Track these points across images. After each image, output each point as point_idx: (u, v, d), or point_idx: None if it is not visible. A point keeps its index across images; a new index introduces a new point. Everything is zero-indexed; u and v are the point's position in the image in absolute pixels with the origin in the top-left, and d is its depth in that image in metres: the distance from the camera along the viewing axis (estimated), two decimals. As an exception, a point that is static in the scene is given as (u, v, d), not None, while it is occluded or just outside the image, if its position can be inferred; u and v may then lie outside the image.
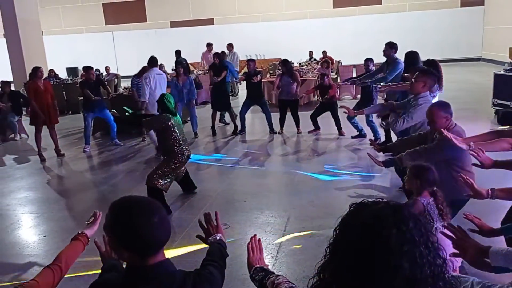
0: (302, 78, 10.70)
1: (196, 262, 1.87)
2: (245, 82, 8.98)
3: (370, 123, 7.54)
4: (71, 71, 19.42)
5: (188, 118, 9.29)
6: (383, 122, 4.78)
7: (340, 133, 8.39)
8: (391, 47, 6.92)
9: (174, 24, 21.90)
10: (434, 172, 2.98)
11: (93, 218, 2.12)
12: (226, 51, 12.94)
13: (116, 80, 15.47)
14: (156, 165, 5.43)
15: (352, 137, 8.11)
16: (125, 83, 14.30)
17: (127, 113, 5.82)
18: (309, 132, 8.62)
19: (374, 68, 7.97)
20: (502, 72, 9.03)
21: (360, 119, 7.83)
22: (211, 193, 5.83)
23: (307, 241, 4.31)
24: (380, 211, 1.12)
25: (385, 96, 7.06)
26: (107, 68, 16.01)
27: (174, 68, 13.33)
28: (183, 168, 5.63)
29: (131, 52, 20.89)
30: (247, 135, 9.03)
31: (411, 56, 6.20)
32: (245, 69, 10.54)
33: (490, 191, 2.51)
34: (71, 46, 21.87)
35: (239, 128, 9.06)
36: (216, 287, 1.69)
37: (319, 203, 5.21)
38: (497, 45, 18.33)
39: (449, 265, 1.11)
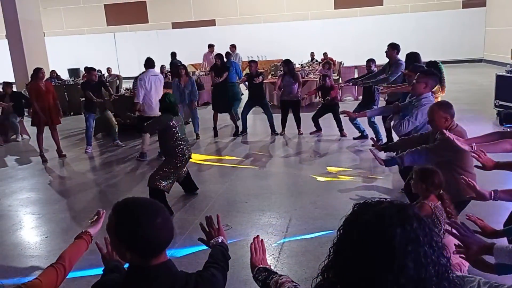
0: (303, 79, 10.70)
1: (198, 263, 1.87)
2: (247, 83, 8.99)
3: (372, 124, 7.53)
4: (73, 72, 19.47)
5: (190, 119, 9.30)
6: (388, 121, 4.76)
7: (342, 134, 8.38)
8: (393, 48, 6.91)
9: (176, 25, 21.93)
10: (440, 175, 2.97)
11: (96, 216, 2.11)
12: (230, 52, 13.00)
13: (117, 81, 15.49)
14: (157, 166, 5.43)
15: (354, 139, 8.10)
16: (127, 84, 14.31)
17: (128, 120, 5.81)
18: (310, 133, 8.62)
19: (376, 69, 7.96)
20: (504, 73, 9.02)
21: (362, 120, 7.82)
22: (213, 194, 5.82)
23: (309, 243, 4.31)
24: (384, 211, 1.12)
25: (387, 97, 7.06)
26: (108, 69, 16.04)
27: (169, 69, 13.42)
28: (184, 169, 5.64)
29: (132, 53, 20.94)
30: (249, 136, 9.03)
31: (412, 57, 6.20)
32: (247, 70, 10.54)
33: (493, 193, 2.50)
34: (72, 47, 21.92)
35: (240, 129, 9.06)
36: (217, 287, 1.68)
37: (321, 205, 5.20)
38: (499, 46, 18.31)
39: (457, 268, 1.11)
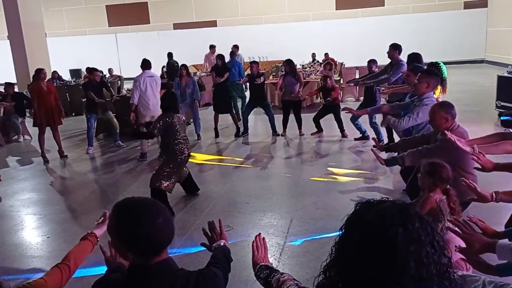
0: (305, 80, 10.71)
1: (200, 263, 1.88)
2: (248, 84, 9.00)
3: (373, 125, 7.53)
4: (75, 73, 19.50)
5: (191, 120, 9.30)
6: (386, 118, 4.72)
7: (343, 135, 8.38)
8: (395, 49, 6.92)
9: (177, 26, 21.95)
10: (448, 169, 2.96)
11: (102, 218, 2.12)
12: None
13: (119, 82, 15.51)
14: (158, 166, 5.43)
15: (355, 139, 8.10)
16: (128, 85, 14.31)
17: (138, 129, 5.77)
18: (312, 134, 8.62)
19: (377, 69, 7.97)
20: (506, 74, 9.02)
21: (364, 121, 7.82)
22: (214, 195, 5.83)
23: (310, 243, 4.31)
24: (386, 210, 1.12)
25: (388, 98, 7.06)
26: (110, 70, 16.06)
27: (166, 70, 13.45)
28: (185, 168, 5.64)
29: (134, 54, 20.92)
30: (250, 137, 9.04)
31: (414, 58, 6.19)
32: (248, 71, 10.55)
33: (494, 194, 2.50)
34: (74, 48, 21.96)
35: (241, 130, 9.06)
36: (218, 287, 1.69)
37: (322, 205, 5.20)
38: (500, 47, 18.30)
39: (462, 266, 1.11)
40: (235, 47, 12.48)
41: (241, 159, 7.46)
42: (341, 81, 12.93)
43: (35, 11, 14.48)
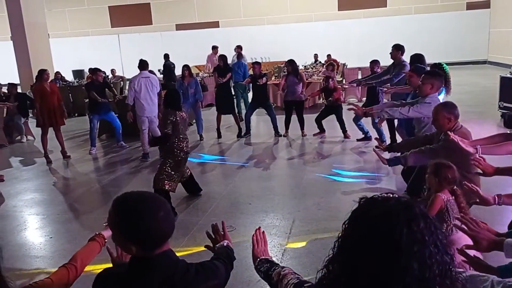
0: (307, 81, 10.71)
1: (202, 263, 1.88)
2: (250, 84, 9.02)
3: (376, 126, 7.52)
4: (77, 73, 19.51)
5: (194, 121, 9.31)
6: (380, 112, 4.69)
7: (345, 136, 8.38)
8: (397, 49, 6.91)
9: (180, 27, 21.98)
10: (454, 170, 2.94)
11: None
12: (234, 53, 13.03)
13: (121, 82, 15.54)
14: (158, 167, 5.43)
15: (358, 140, 8.10)
16: (131, 86, 14.34)
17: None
18: (314, 135, 8.62)
19: (380, 70, 7.96)
20: (508, 75, 8.99)
21: (366, 122, 7.82)
22: (216, 195, 5.83)
23: (312, 244, 4.31)
24: (391, 208, 1.11)
25: (390, 98, 7.05)
26: (112, 71, 16.08)
27: (162, 71, 13.51)
28: (187, 169, 5.65)
29: (136, 54, 20.90)
30: (252, 137, 9.04)
31: (417, 59, 6.19)
32: (250, 72, 10.57)
33: (496, 197, 2.49)
34: (77, 48, 22.00)
35: (244, 130, 9.07)
36: (219, 278, 1.70)
37: (325, 206, 5.21)
38: (503, 48, 18.27)
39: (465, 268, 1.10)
40: (239, 48, 12.52)
41: (244, 160, 7.46)
42: (343, 82, 12.92)
43: (38, 12, 14.51)
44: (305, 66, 14.85)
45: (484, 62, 19.96)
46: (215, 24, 21.55)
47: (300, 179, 6.33)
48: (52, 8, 21.39)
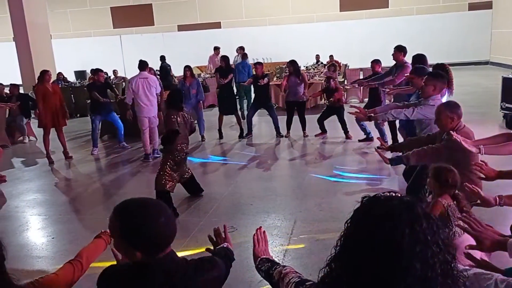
0: (309, 82, 10.71)
1: (203, 264, 1.88)
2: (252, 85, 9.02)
3: (378, 126, 7.51)
4: (79, 74, 19.58)
5: (195, 121, 9.31)
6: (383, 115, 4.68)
7: (347, 136, 8.37)
8: (399, 51, 6.90)
9: (182, 28, 22.00)
10: (455, 174, 2.92)
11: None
12: (235, 54, 13.06)
13: (123, 83, 15.56)
14: (159, 167, 5.43)
15: (359, 141, 8.09)
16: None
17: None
18: (316, 135, 8.62)
19: (381, 69, 7.96)
20: (510, 76, 8.98)
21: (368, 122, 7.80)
22: (218, 196, 5.83)
23: (313, 245, 4.31)
24: (394, 208, 1.11)
25: (392, 99, 7.04)
26: (114, 72, 16.11)
27: (158, 73, 13.55)
28: (188, 170, 5.65)
29: (138, 55, 20.93)
30: (254, 138, 9.04)
31: (419, 59, 6.18)
32: (252, 72, 10.58)
33: (498, 198, 2.48)
34: (79, 49, 22.04)
35: (245, 131, 9.07)
36: (218, 271, 1.72)
37: (326, 207, 5.20)
38: (505, 49, 18.24)
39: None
40: (242, 49, 12.54)
41: (245, 161, 7.46)
42: (345, 82, 12.90)
43: (40, 13, 14.54)
44: (306, 67, 14.85)
45: (486, 63, 19.93)
46: (217, 25, 21.56)
47: (301, 180, 6.33)
48: (54, 9, 21.44)
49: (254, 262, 1.85)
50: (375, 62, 8.05)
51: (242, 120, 9.38)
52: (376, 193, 1.19)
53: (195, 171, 6.16)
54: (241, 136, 9.05)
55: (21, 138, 10.15)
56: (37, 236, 5.04)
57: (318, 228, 4.65)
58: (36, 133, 9.96)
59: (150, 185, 5.48)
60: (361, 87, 11.21)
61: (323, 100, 11.43)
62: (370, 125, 7.84)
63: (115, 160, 8.18)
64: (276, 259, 4.07)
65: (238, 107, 11.00)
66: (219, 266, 1.74)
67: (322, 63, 15.94)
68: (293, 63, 8.76)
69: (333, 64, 12.42)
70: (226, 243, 2.06)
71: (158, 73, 13.63)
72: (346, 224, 1.19)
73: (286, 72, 10.17)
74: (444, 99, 4.62)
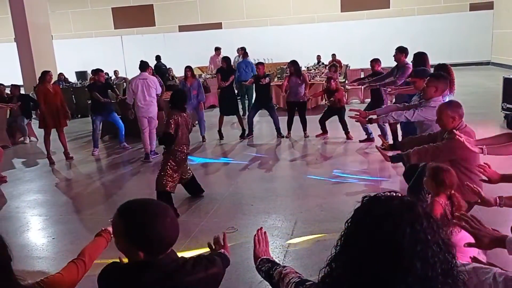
0: (310, 82, 10.71)
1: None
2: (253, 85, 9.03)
3: (380, 125, 7.48)
4: (81, 75, 19.59)
5: (196, 122, 9.33)
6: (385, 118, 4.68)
7: (348, 137, 8.37)
8: (401, 52, 6.90)
9: (183, 28, 22.02)
10: (452, 175, 2.91)
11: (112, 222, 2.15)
12: (236, 54, 13.08)
13: (124, 83, 15.57)
14: (160, 168, 5.43)
15: (360, 141, 8.09)
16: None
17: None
18: (316, 136, 8.62)
19: (381, 69, 7.95)
20: (512, 76, 8.98)
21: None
22: (218, 196, 5.83)
23: (314, 245, 4.30)
24: (394, 208, 1.12)
25: (394, 100, 7.03)
26: (116, 72, 16.13)
27: (154, 73, 13.57)
28: (189, 170, 5.66)
29: (139, 56, 20.93)
30: (255, 139, 9.04)
31: (420, 57, 6.18)
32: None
33: (498, 199, 2.47)
34: (80, 50, 22.07)
35: (246, 131, 9.07)
36: (217, 267, 1.74)
37: (327, 207, 5.20)
38: (506, 49, 18.22)
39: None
40: (242, 49, 12.56)
41: (246, 161, 7.46)
42: (346, 82, 12.89)
43: (41, 13, 14.56)
44: (307, 68, 14.85)
45: (488, 63, 19.91)
46: (218, 26, 21.57)
47: (302, 181, 6.33)
48: (55, 10, 21.47)
49: (254, 262, 1.86)
50: (375, 61, 8.04)
51: (243, 120, 9.38)
52: (377, 193, 1.19)
53: (196, 172, 6.16)
54: (242, 136, 9.04)
55: (22, 138, 10.17)
56: (37, 236, 5.04)
57: (319, 228, 4.65)
58: (37, 133, 9.97)
59: (151, 185, 5.48)
60: (362, 87, 11.23)
61: (324, 100, 11.43)
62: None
63: (116, 160, 8.18)
64: (276, 260, 4.06)
65: (240, 106, 11.03)
66: (218, 262, 1.76)
67: (323, 63, 15.94)
68: (294, 64, 8.76)
69: (334, 65, 12.42)
70: (223, 250, 2.10)
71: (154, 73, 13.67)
72: (346, 224, 1.19)
73: (287, 73, 10.18)
74: (447, 100, 4.62)
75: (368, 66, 8.66)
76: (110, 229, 2.10)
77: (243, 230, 4.71)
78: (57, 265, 3.90)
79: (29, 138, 10.18)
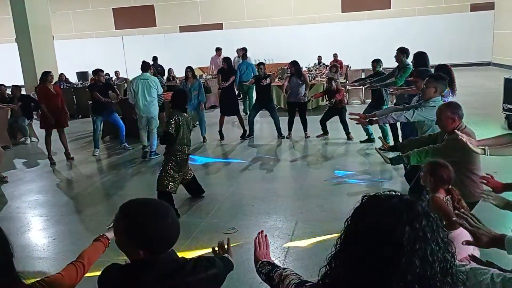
0: (311, 83, 10.71)
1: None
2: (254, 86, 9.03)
3: (381, 126, 7.48)
4: (81, 75, 19.58)
5: (197, 122, 9.33)
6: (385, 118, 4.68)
7: (349, 137, 8.36)
8: (402, 52, 6.90)
9: (183, 29, 22.03)
10: (449, 170, 2.94)
11: (113, 223, 2.18)
12: (236, 54, 13.08)
13: (125, 84, 15.57)
14: (161, 169, 5.44)
15: (361, 142, 8.09)
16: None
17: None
18: (317, 136, 8.62)
19: (382, 69, 7.94)
20: (513, 77, 8.95)
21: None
22: (219, 197, 5.83)
23: (315, 246, 4.30)
24: (394, 206, 1.12)
25: (395, 100, 7.03)
26: (116, 73, 16.13)
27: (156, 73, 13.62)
28: (190, 171, 5.66)
29: (140, 56, 20.93)
30: (255, 139, 9.04)
31: (420, 57, 6.18)
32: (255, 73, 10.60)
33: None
34: (81, 50, 22.08)
35: (247, 132, 9.07)
36: (217, 268, 1.74)
37: (328, 208, 5.20)
38: (507, 50, 18.21)
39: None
40: (243, 49, 12.58)
41: (247, 162, 7.46)
42: (347, 82, 12.88)
43: (42, 14, 14.57)
44: (308, 68, 14.85)
45: (489, 64, 19.90)
46: (219, 26, 21.57)
47: (303, 181, 6.33)
48: (56, 10, 21.48)
49: (255, 265, 1.86)
50: (376, 62, 8.04)
51: (244, 121, 9.38)
52: (376, 192, 1.20)
53: (196, 172, 6.16)
54: (242, 137, 9.04)
55: (23, 139, 10.18)
56: (38, 237, 5.05)
57: (319, 229, 4.64)
58: (38, 134, 9.98)
59: (152, 186, 5.48)
60: (363, 88, 11.23)
61: (324, 101, 11.43)
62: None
63: (117, 161, 8.18)
64: (277, 260, 4.07)
65: (242, 107, 11.04)
66: (218, 264, 1.76)
67: (324, 64, 15.93)
68: (294, 64, 8.76)
69: (334, 65, 12.41)
70: (227, 254, 2.10)
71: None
72: (346, 223, 1.19)
73: (287, 73, 10.18)
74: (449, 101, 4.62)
75: (368, 66, 8.65)
76: (108, 234, 2.14)
77: (244, 230, 4.71)
78: (58, 266, 3.90)
79: (30, 139, 10.19)
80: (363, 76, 12.99)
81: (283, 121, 8.90)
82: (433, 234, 1.09)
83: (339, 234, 1.22)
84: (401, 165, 5.30)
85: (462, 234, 2.06)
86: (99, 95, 8.25)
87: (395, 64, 7.06)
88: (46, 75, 7.82)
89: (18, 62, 14.52)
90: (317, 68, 15.08)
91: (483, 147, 2.99)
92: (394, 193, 1.18)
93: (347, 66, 15.37)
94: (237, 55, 13.67)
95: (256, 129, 9.44)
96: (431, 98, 4.23)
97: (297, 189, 6.06)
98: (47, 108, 7.77)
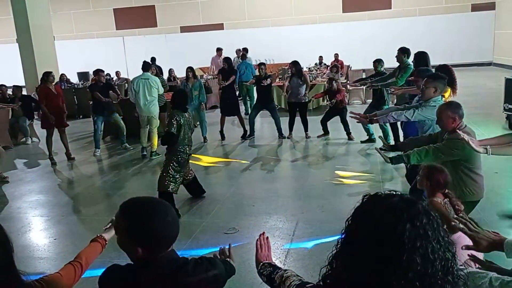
0: (311, 83, 10.71)
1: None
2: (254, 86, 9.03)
3: (382, 126, 7.47)
4: (82, 75, 19.60)
5: (198, 123, 9.33)
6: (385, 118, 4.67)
7: (349, 137, 8.36)
8: (403, 52, 6.90)
9: (184, 29, 22.03)
10: (446, 174, 2.94)
11: (110, 224, 2.19)
12: (236, 55, 13.09)
13: (126, 84, 15.58)
14: (162, 169, 5.44)
15: (362, 142, 8.08)
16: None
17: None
18: (318, 136, 8.62)
19: (383, 69, 7.94)
20: (514, 77, 8.94)
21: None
22: (220, 197, 5.83)
23: (316, 246, 4.30)
24: (395, 205, 1.12)
25: (396, 100, 7.02)
26: (117, 73, 16.13)
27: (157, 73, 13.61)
28: (191, 171, 5.66)
29: (141, 57, 20.94)
30: (256, 139, 9.04)
31: (421, 57, 6.17)
32: (256, 73, 10.61)
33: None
34: (82, 51, 22.09)
35: (248, 132, 9.07)
36: (218, 269, 1.74)
37: (328, 208, 5.19)
38: (508, 50, 18.19)
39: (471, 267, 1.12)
40: (244, 49, 12.59)
41: (247, 162, 7.46)
42: (348, 82, 12.88)
43: (43, 14, 14.58)
44: (309, 68, 14.85)
45: (489, 64, 19.88)
46: (220, 26, 21.57)
47: (303, 181, 6.32)
48: (57, 11, 21.50)
49: (256, 267, 1.87)
50: (377, 62, 8.03)
51: (244, 121, 9.38)
52: (377, 192, 1.20)
53: (197, 172, 6.16)
54: (243, 137, 9.04)
55: (24, 139, 10.18)
56: (39, 237, 5.05)
57: (320, 229, 4.64)
58: (39, 134, 9.99)
59: (153, 186, 5.49)
60: (364, 88, 11.22)
61: (325, 101, 11.42)
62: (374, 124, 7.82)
63: (118, 161, 8.19)
64: (277, 260, 4.07)
65: (243, 108, 11.04)
66: (219, 265, 1.76)
67: (324, 64, 15.93)
68: (295, 64, 8.76)
69: (335, 66, 12.41)
70: (228, 258, 2.11)
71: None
72: (347, 222, 1.19)
73: (288, 73, 10.18)
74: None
75: (369, 66, 8.65)
76: (105, 235, 2.15)
77: (244, 231, 4.71)
78: (59, 266, 3.90)
79: (31, 139, 10.20)
80: (364, 76, 13.00)
81: (284, 121, 8.90)
82: (434, 232, 1.10)
83: (340, 234, 1.22)
84: (402, 165, 5.30)
85: (461, 238, 2.06)
86: (99, 95, 8.26)
87: (396, 64, 7.06)
88: (47, 75, 7.83)
89: (19, 63, 14.53)
90: (318, 68, 15.08)
91: (485, 146, 2.99)
92: (394, 192, 1.18)
93: (348, 66, 15.36)
94: (236, 55, 13.68)
95: (257, 129, 9.44)
96: (431, 98, 4.23)
97: (298, 189, 6.05)
98: (48, 108, 7.78)
